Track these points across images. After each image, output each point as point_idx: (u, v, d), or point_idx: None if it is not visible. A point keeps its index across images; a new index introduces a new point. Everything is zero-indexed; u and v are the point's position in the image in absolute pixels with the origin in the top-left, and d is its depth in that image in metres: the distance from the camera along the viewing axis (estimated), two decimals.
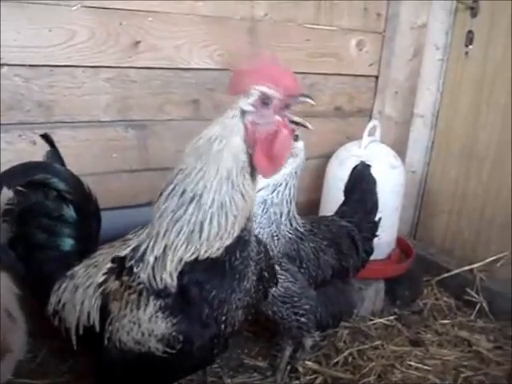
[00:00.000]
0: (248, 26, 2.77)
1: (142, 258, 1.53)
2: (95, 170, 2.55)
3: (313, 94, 3.02)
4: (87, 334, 1.63)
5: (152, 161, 2.71)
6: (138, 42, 2.51)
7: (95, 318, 1.59)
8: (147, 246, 1.53)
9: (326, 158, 3.02)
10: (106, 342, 1.56)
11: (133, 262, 1.55)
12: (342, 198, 2.57)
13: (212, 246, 1.47)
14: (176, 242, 1.47)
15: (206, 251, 1.47)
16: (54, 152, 1.81)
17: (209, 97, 2.77)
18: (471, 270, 3.10)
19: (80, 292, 1.66)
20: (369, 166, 2.46)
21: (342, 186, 2.65)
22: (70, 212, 1.77)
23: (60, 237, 1.77)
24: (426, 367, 2.52)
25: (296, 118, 1.50)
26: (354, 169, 2.47)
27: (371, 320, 2.85)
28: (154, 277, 1.49)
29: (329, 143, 3.08)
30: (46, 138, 1.81)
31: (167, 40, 2.59)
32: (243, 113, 1.49)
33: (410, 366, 2.53)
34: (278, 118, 1.49)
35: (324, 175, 2.98)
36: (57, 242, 1.77)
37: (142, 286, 1.51)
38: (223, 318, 1.52)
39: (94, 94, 2.48)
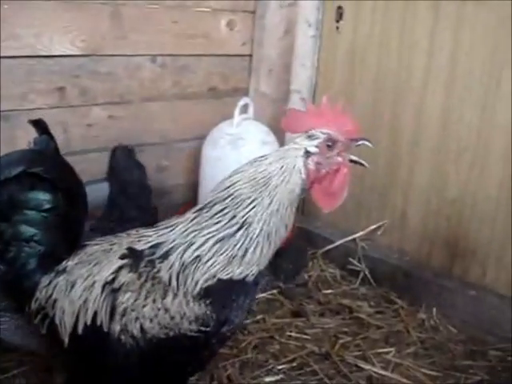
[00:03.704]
0: (111, 10, 2.75)
1: (165, 257, 1.56)
2: None
3: (185, 75, 3.06)
4: (87, 333, 1.59)
5: None
6: None
7: (103, 318, 1.56)
8: (172, 248, 1.57)
9: (203, 139, 3.02)
10: (116, 335, 1.55)
11: (154, 257, 1.57)
12: (219, 178, 2.59)
13: (249, 270, 1.55)
14: (214, 260, 1.53)
15: (241, 273, 1.55)
16: (46, 138, 1.72)
17: (74, 84, 2.74)
18: (354, 240, 3.17)
19: (79, 290, 1.62)
20: (131, 150, 2.26)
21: (216, 165, 2.68)
22: (58, 202, 1.69)
23: (46, 229, 1.69)
24: (305, 336, 2.57)
25: (354, 158, 1.62)
26: (113, 153, 2.25)
27: None
28: (177, 280, 1.53)
29: (204, 124, 3.07)
30: (37, 123, 1.71)
31: (26, 28, 2.53)
32: (307, 153, 1.57)
33: (290, 336, 2.57)
34: (339, 159, 1.59)
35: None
36: (43, 235, 1.69)
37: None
38: (236, 320, 1.61)
39: None
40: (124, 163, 1.99)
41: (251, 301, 1.68)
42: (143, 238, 1.64)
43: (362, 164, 1.63)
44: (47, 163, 1.70)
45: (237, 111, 2.86)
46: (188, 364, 1.68)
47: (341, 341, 2.56)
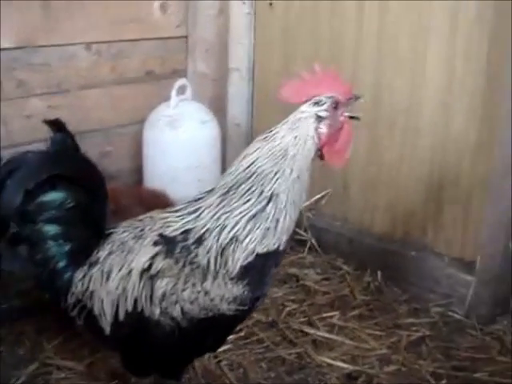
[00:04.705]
0: (40, 2, 2.76)
1: (200, 242, 1.64)
2: None
3: (121, 61, 3.10)
4: (128, 319, 1.68)
5: None
6: None
7: (144, 303, 1.65)
8: (205, 233, 1.64)
9: (143, 123, 3.07)
10: (156, 317, 1.64)
11: (188, 242, 1.65)
12: (161, 162, 2.67)
13: (282, 238, 1.66)
14: (250, 236, 1.62)
15: (274, 244, 1.64)
16: (62, 136, 1.74)
17: (11, 77, 2.76)
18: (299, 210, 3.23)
19: (116, 280, 1.69)
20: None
21: (156, 147, 2.74)
22: (80, 199, 1.74)
23: (71, 226, 1.73)
24: None
25: (350, 114, 1.76)
26: None
27: None
28: (216, 263, 1.62)
29: (144, 108, 3.11)
30: (53, 123, 1.73)
31: None
32: (319, 118, 1.69)
33: None
34: (342, 117, 1.75)
35: None
36: (70, 232, 1.73)
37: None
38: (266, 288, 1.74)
39: None
40: None
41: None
42: (171, 224, 1.71)
43: (357, 118, 1.77)
44: (66, 162, 1.73)
45: (173, 93, 2.91)
46: (225, 336, 1.85)
47: (287, 308, 2.64)
